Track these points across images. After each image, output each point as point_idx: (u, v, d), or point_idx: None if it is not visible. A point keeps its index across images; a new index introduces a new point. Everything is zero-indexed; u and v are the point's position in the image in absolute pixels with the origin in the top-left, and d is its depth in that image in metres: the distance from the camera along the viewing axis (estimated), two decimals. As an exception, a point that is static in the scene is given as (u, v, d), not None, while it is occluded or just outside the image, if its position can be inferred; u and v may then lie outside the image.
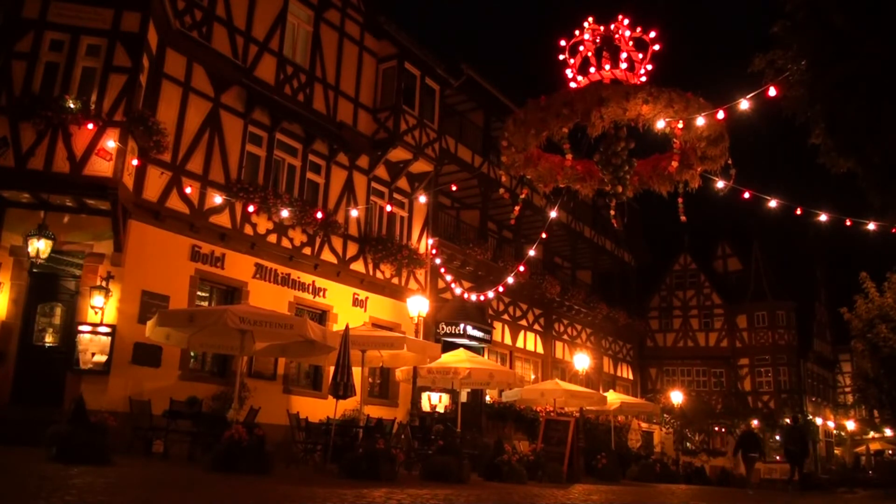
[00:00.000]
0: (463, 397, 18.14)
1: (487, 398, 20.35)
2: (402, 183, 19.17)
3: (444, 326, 19.31)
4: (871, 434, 39.78)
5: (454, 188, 17.84)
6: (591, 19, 8.19)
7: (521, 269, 19.47)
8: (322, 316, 16.32)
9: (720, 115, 7.42)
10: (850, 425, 39.75)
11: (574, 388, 18.67)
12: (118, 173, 11.69)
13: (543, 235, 17.06)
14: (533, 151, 8.69)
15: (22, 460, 7.82)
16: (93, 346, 11.86)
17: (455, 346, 16.89)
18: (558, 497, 9.75)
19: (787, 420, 31.95)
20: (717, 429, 32.04)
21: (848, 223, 11.79)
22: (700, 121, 7.44)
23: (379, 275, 17.83)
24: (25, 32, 12.01)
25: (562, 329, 26.19)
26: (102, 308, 12.16)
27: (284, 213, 14.99)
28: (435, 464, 10.94)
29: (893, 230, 11.13)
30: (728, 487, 21.65)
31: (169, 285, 13.20)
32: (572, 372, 24.52)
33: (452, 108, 22.03)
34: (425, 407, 17.27)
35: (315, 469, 11.29)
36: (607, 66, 7.98)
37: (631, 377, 31.44)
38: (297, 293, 15.79)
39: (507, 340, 23.00)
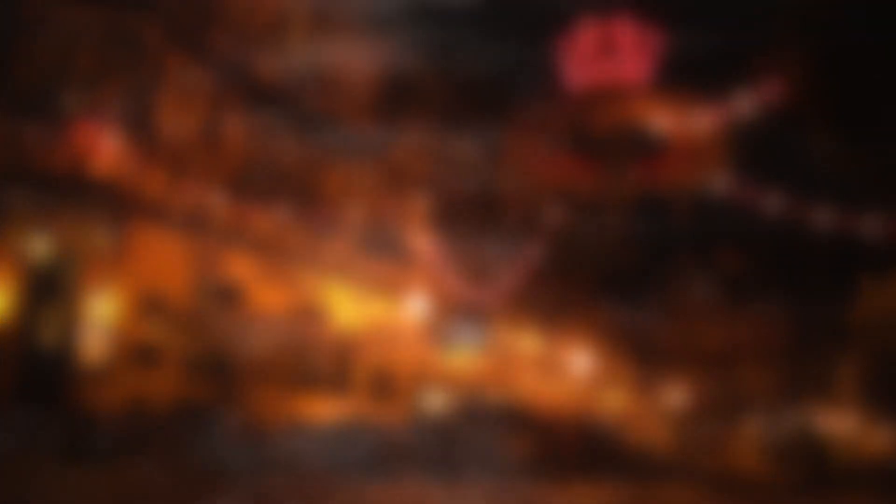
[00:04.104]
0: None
1: (487, 398, 20.29)
2: (402, 183, 19.11)
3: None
4: (871, 434, 39.70)
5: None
6: (591, 19, 8.17)
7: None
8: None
9: (720, 115, 7.41)
10: (850, 425, 39.67)
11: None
12: (118, 173, 11.65)
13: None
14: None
15: (22, 460, 7.80)
16: (93, 347, 11.84)
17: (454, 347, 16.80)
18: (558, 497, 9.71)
19: None
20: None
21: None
22: (700, 121, 7.44)
23: (379, 275, 17.76)
24: (25, 32, 11.98)
25: (562, 329, 26.08)
26: (102, 308, 12.13)
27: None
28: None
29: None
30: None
31: (169, 285, 13.16)
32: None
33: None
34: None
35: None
36: (607, 67, 7.97)
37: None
38: (297, 292, 15.73)
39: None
